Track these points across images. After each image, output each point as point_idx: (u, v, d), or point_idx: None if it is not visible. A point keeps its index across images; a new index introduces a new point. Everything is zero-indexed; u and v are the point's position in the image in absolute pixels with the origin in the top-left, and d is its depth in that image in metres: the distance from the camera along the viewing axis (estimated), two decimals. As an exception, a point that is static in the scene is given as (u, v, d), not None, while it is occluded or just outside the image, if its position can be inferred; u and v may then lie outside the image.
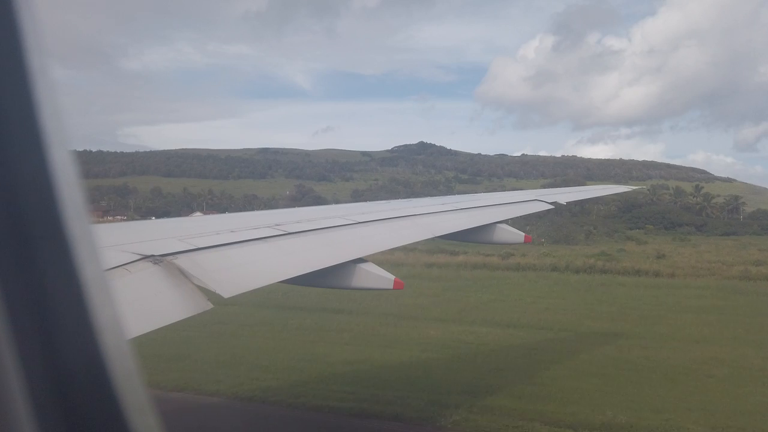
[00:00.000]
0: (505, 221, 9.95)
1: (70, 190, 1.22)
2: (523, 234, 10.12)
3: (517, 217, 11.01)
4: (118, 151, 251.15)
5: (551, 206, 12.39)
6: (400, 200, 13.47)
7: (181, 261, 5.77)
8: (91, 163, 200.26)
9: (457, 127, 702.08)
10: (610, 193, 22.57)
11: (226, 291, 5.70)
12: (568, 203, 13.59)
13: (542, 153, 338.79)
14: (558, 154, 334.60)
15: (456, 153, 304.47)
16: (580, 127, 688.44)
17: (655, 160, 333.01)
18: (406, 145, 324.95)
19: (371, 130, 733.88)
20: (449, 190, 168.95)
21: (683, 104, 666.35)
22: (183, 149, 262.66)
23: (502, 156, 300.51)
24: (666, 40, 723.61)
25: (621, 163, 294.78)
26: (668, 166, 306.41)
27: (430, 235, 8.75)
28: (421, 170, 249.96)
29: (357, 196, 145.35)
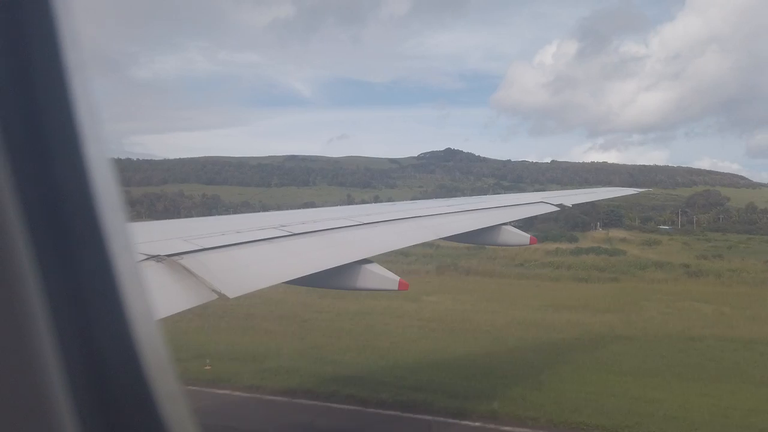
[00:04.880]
0: (511, 222, 9.89)
1: (106, 187, 1.26)
2: (529, 236, 10.03)
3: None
4: (154, 159, 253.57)
5: (557, 208, 12.25)
6: (404, 202, 13.47)
7: (187, 261, 5.86)
8: (129, 170, 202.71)
9: (471, 134, 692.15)
10: (616, 195, 22.24)
11: (232, 291, 5.76)
12: (574, 205, 13.39)
13: (547, 159, 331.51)
14: (588, 161, 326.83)
15: (485, 159, 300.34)
16: (595, 134, 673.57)
17: (658, 164, 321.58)
18: (433, 152, 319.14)
19: (388, 137, 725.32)
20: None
21: (701, 110, 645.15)
22: (206, 156, 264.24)
23: (534, 163, 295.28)
24: (687, 46, 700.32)
25: (664, 169, 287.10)
26: (709, 172, 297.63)
27: (434, 237, 8.73)
28: (460, 177, 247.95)
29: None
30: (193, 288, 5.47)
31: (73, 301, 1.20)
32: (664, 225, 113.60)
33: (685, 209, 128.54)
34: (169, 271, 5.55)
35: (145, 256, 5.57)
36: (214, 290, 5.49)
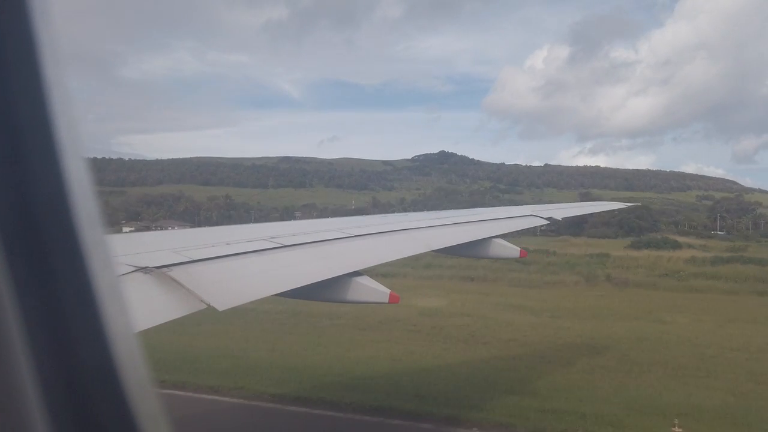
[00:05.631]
0: (504, 235, 9.95)
1: (85, 199, 1.23)
2: (519, 249, 10.08)
3: None
4: (146, 159, 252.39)
5: (547, 221, 12.33)
6: (395, 214, 13.51)
7: (176, 273, 5.83)
8: (122, 170, 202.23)
9: (461, 137, 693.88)
10: (606, 209, 22.25)
11: (221, 304, 5.73)
12: (564, 219, 13.48)
13: (536, 163, 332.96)
14: (580, 164, 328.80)
15: (479, 163, 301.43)
16: (585, 138, 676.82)
17: (649, 168, 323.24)
18: (426, 155, 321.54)
19: (379, 139, 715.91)
20: (495, 199, 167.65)
21: (689, 116, 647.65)
22: (200, 157, 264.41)
23: (529, 167, 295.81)
24: (676, 52, 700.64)
25: (657, 173, 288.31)
26: (702, 177, 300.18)
27: (425, 249, 8.74)
28: (455, 180, 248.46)
29: (417, 205, 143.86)
30: (181, 299, 5.44)
31: (49, 317, 1.17)
32: (714, 230, 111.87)
33: (723, 214, 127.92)
34: (158, 283, 5.53)
35: (134, 268, 5.54)
36: (203, 301, 5.47)
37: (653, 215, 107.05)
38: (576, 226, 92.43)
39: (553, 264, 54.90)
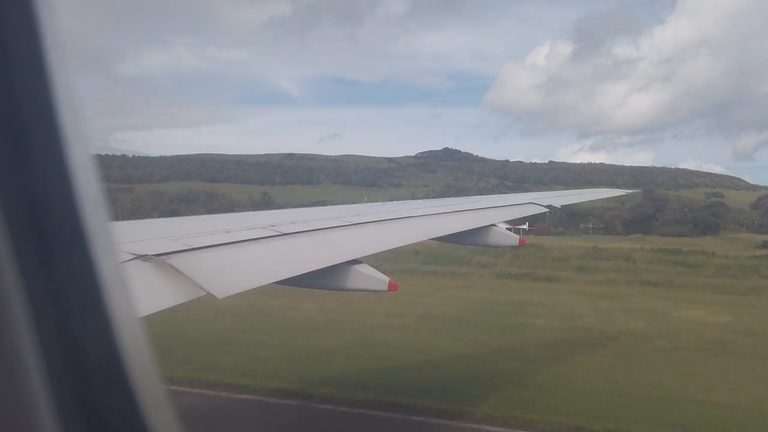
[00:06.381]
0: (504, 223, 9.92)
1: (88, 185, 1.24)
2: (518, 237, 10.05)
3: None
4: (150, 156, 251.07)
5: (546, 209, 12.28)
6: (394, 202, 13.49)
7: (175, 261, 5.86)
8: (128, 167, 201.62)
9: (462, 134, 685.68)
10: (604, 197, 22.38)
11: (220, 291, 5.75)
12: (563, 206, 13.47)
13: (536, 160, 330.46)
14: (585, 161, 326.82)
15: (484, 159, 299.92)
16: (585, 135, 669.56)
17: (654, 165, 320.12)
18: (431, 152, 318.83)
19: (380, 136, 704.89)
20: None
21: (690, 113, 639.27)
22: (203, 153, 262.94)
23: (534, 164, 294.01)
24: (679, 49, 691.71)
25: (663, 170, 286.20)
26: (708, 174, 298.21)
27: (425, 237, 8.73)
28: (462, 176, 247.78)
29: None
30: (180, 286, 5.47)
31: (54, 304, 1.18)
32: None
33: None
34: (157, 270, 5.55)
35: (133, 256, 5.57)
36: (202, 288, 5.49)
37: (729, 212, 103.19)
38: (640, 223, 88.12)
39: (725, 267, 49.50)
